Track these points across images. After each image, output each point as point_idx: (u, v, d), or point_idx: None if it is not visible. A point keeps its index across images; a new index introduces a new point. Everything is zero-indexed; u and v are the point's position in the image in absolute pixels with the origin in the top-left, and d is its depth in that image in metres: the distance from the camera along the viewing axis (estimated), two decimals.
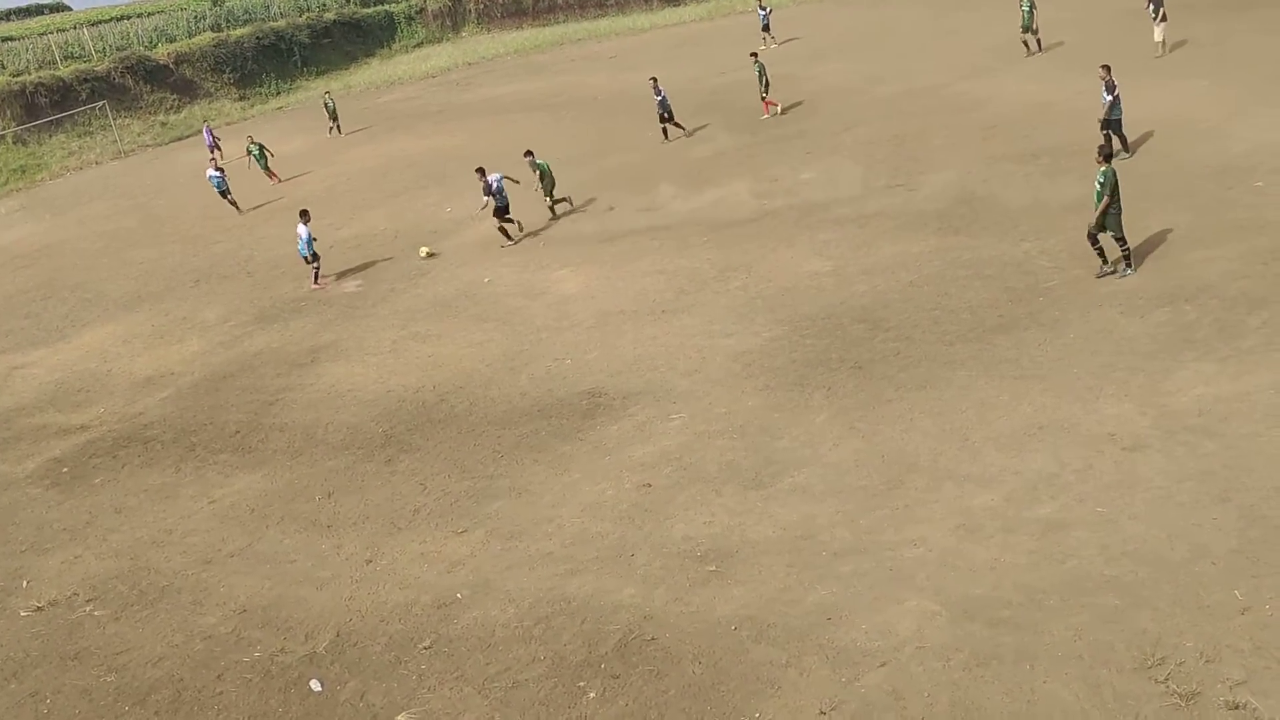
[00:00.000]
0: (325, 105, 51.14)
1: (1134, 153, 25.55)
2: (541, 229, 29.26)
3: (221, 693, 12.97)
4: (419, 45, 79.01)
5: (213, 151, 50.78)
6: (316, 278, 28.37)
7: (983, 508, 13.44)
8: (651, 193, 30.56)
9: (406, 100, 57.51)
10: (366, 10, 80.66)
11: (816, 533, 13.67)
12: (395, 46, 78.47)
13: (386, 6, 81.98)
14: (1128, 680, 10.29)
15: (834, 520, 13.85)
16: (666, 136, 36.56)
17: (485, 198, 28.30)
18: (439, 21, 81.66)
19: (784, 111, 36.58)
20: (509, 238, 28.60)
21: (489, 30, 80.00)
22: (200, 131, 56.80)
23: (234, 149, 49.64)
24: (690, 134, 36.20)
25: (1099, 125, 25.63)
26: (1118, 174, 18.99)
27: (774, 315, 20.65)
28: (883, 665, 11.16)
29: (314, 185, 40.46)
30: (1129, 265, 19.19)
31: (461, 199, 34.02)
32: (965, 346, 17.83)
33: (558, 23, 77.16)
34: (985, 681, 10.63)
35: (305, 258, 28.44)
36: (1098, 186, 18.91)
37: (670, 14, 69.97)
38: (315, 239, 28.37)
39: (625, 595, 13.22)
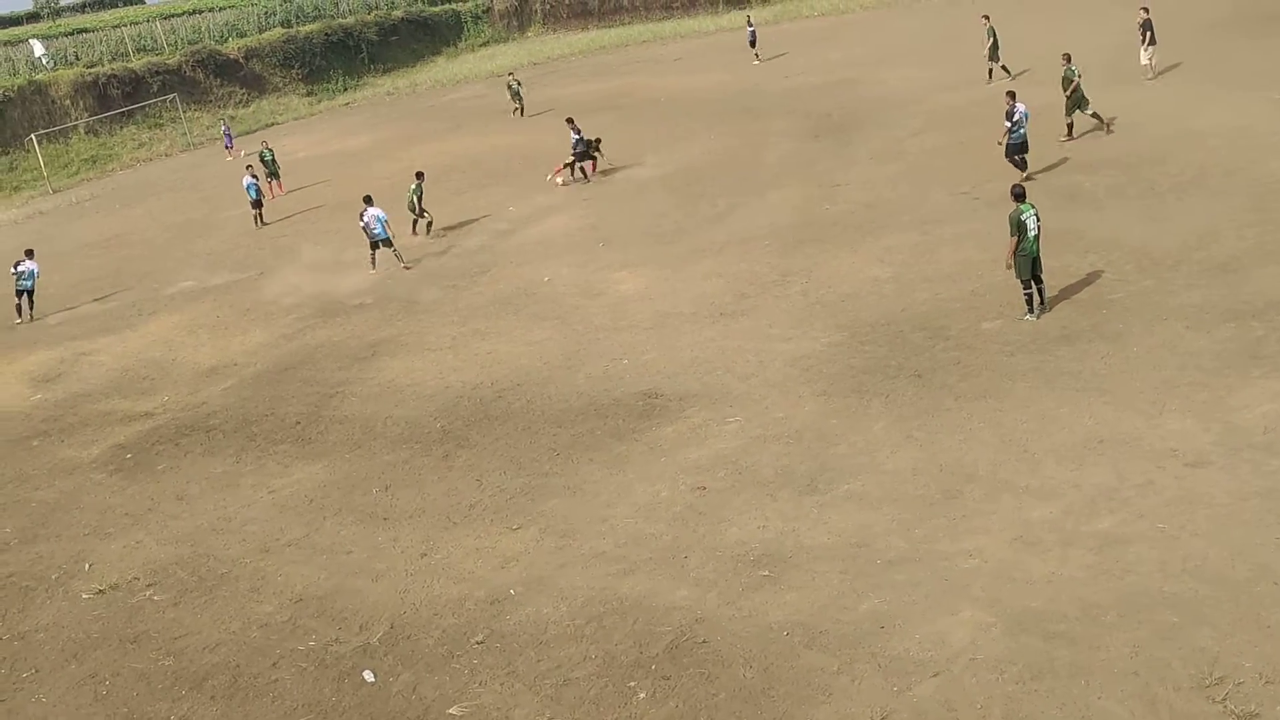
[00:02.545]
0: (509, 87, 50.47)
1: (1032, 177, 26.10)
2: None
3: (276, 680, 13.12)
4: (485, 44, 79.44)
5: (229, 148, 52.36)
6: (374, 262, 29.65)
7: (1041, 520, 13.32)
8: (713, 195, 30.56)
9: (472, 99, 57.85)
10: (434, 9, 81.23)
11: (871, 540, 13.61)
12: (461, 45, 78.97)
13: (454, 5, 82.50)
14: (1185, 699, 10.16)
15: (889, 528, 13.78)
16: (573, 174, 35.35)
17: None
18: (505, 21, 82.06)
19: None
20: None
21: (554, 31, 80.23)
22: (225, 131, 57.59)
23: (282, 147, 50.08)
24: (564, 183, 35.13)
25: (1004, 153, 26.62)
26: (1024, 215, 18.69)
27: (833, 321, 20.58)
28: (935, 675, 11.08)
29: (378, 183, 40.71)
30: (1030, 310, 19.04)
31: (526, 198, 34.21)
32: (1026, 357, 17.67)
33: (623, 24, 77.23)
34: (1039, 695, 10.53)
35: (383, 239, 29.22)
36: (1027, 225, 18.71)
37: (735, 17, 69.72)
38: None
39: (678, 597, 13.23)
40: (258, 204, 37.44)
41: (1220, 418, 14.79)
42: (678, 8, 76.34)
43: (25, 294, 31.07)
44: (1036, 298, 19.04)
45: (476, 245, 30.21)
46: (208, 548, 16.60)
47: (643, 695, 11.69)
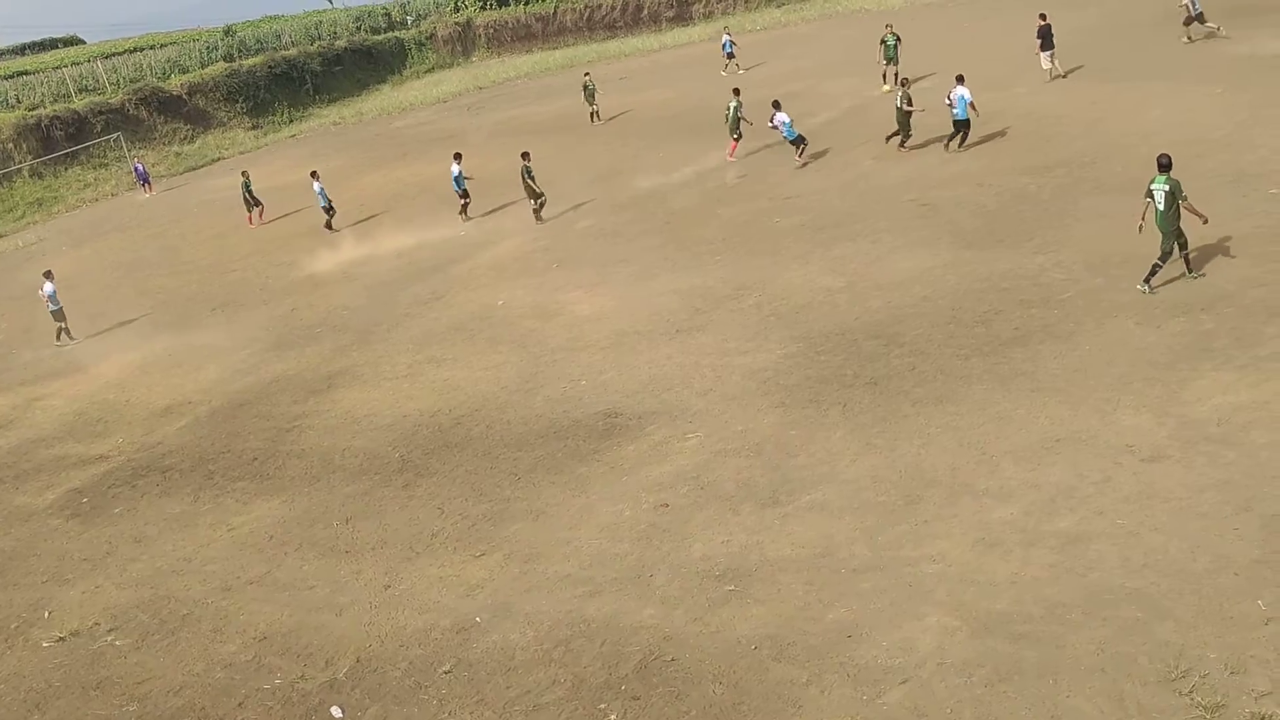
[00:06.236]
0: (585, 86, 48.13)
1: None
2: None
3: None
4: (430, 70, 79.36)
5: (144, 185, 53.16)
6: (464, 210, 34.70)
7: (1002, 522, 13.39)
8: (664, 212, 30.61)
9: (419, 125, 57.72)
10: (377, 37, 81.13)
11: (835, 550, 13.63)
12: (406, 72, 78.83)
13: (397, 33, 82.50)
14: (1152, 693, 10.23)
15: (852, 537, 13.81)
16: (331, 228, 37.80)
17: None
18: (449, 47, 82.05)
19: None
20: None
21: (499, 54, 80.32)
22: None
23: (229, 182, 49.77)
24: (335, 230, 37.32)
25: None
26: (1152, 184, 18.67)
27: (788, 332, 20.64)
28: (904, 682, 11.11)
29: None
30: (1153, 275, 18.90)
31: (476, 222, 34.17)
32: (980, 360, 17.78)
33: (567, 45, 77.42)
34: (1008, 697, 10.57)
35: (457, 193, 34.64)
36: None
37: (679, 34, 70.14)
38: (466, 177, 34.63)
39: (644, 616, 13.19)
40: (329, 209, 37.92)
41: (1174, 412, 14.94)
42: (621, 27, 76.67)
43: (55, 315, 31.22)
44: (1156, 269, 18.79)
45: (428, 271, 30.08)
46: (168, 589, 16.40)
47: (613, 717, 11.65)
